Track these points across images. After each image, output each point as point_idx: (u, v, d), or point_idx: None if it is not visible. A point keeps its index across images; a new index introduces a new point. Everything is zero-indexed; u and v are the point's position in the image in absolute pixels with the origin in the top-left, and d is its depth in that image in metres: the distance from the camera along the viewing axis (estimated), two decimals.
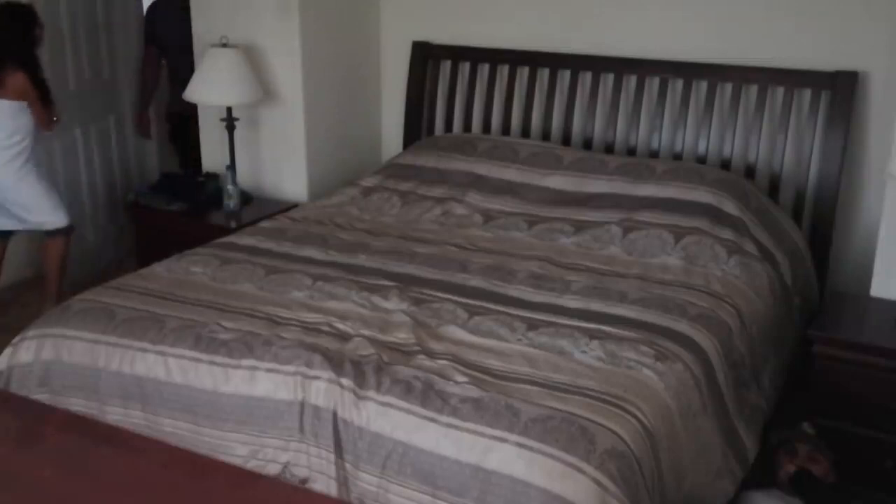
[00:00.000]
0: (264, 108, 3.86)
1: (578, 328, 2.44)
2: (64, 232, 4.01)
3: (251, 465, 2.20)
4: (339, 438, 2.13)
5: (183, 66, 4.39)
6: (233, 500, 1.57)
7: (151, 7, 4.79)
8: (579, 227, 3.13)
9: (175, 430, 2.31)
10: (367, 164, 4.13)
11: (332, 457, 2.13)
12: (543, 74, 3.83)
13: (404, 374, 2.18)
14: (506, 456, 1.95)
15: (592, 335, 2.39)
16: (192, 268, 2.86)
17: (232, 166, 3.75)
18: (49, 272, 4.02)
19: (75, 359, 2.46)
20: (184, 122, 4.55)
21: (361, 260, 2.93)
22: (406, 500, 2.03)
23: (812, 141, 3.34)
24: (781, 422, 2.81)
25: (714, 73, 3.46)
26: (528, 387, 2.14)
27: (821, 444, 2.63)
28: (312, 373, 2.21)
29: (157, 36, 4.68)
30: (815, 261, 3.29)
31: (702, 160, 3.51)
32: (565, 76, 3.78)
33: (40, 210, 3.94)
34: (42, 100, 3.80)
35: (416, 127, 4.12)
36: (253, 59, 3.75)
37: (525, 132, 3.87)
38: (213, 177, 3.91)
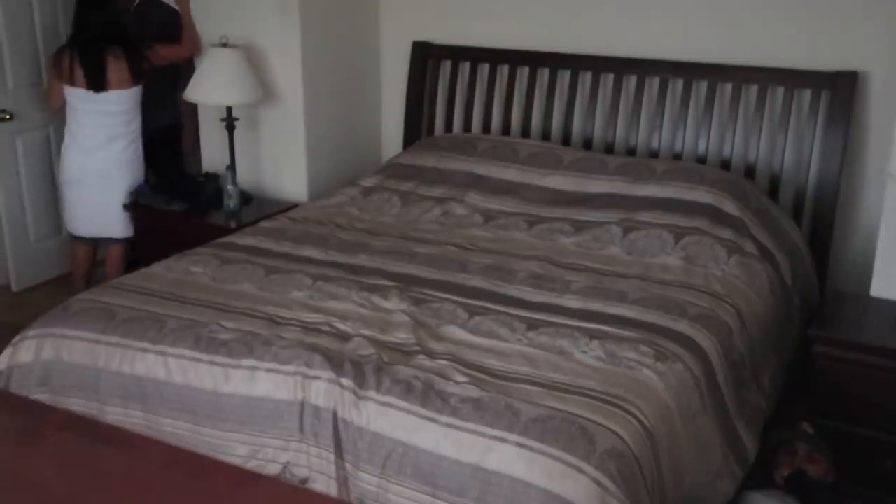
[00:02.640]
0: (264, 108, 3.86)
1: (578, 328, 2.44)
2: (128, 240, 3.98)
3: (251, 465, 2.20)
4: (339, 438, 2.13)
5: None
6: (233, 500, 1.58)
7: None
8: (579, 227, 3.13)
9: (175, 430, 2.31)
10: (367, 164, 4.13)
11: (332, 457, 2.13)
12: (543, 74, 3.83)
13: (404, 374, 2.18)
14: (506, 456, 1.95)
15: (592, 335, 2.39)
16: (192, 268, 2.86)
17: (232, 166, 3.75)
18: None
19: (75, 359, 2.46)
20: None
21: (361, 260, 2.93)
22: (406, 500, 2.03)
23: (812, 141, 3.34)
24: (781, 422, 2.81)
25: (714, 73, 3.46)
26: (528, 387, 2.14)
27: (821, 444, 2.63)
28: (312, 373, 2.20)
29: None
30: (815, 261, 3.29)
31: (702, 160, 3.51)
32: (565, 76, 3.78)
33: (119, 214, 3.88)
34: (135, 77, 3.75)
35: (416, 127, 4.12)
36: (253, 59, 3.75)
37: (525, 132, 3.87)
38: (213, 177, 3.90)
